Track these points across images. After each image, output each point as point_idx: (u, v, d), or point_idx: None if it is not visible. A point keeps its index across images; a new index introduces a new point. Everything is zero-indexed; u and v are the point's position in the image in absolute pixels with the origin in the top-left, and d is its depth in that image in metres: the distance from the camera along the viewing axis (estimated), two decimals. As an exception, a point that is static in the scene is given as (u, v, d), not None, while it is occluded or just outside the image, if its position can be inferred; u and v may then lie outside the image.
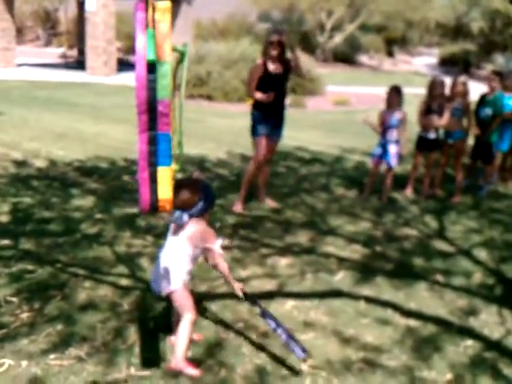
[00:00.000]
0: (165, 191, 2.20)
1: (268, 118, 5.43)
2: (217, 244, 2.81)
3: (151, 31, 1.97)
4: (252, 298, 3.02)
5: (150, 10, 1.95)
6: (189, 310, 2.80)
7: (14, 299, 3.48)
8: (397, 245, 4.78)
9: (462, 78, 6.46)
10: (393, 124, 5.92)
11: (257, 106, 5.45)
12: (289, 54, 5.45)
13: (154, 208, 2.17)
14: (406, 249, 4.70)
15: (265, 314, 2.95)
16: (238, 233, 4.86)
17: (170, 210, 2.15)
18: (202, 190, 2.75)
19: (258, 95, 5.34)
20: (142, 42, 1.96)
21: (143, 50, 1.95)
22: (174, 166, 2.17)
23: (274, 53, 5.29)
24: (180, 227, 2.77)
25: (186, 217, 2.69)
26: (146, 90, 2.02)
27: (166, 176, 2.19)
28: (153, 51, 1.98)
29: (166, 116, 2.12)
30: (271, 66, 5.34)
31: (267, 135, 5.47)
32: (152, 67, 1.97)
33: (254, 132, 5.49)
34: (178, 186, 2.47)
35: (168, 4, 1.98)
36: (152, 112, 2.03)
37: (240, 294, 2.93)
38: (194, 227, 2.75)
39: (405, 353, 3.11)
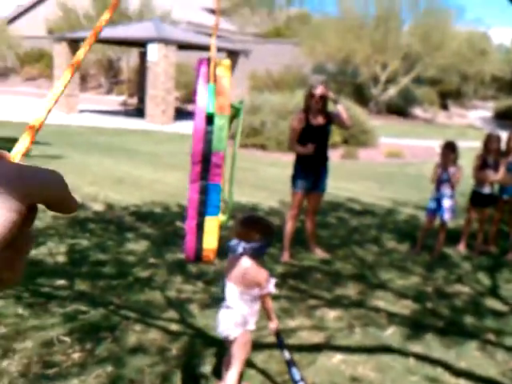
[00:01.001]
0: (210, 241, 2.24)
1: (309, 170, 5.49)
2: (269, 285, 2.83)
3: (212, 86, 2.08)
4: (282, 344, 3.01)
5: (212, 66, 2.07)
6: (237, 363, 2.81)
7: (67, 339, 3.58)
8: (448, 302, 4.69)
9: (519, 133, 6.39)
10: (447, 178, 5.88)
11: (298, 158, 5.53)
12: (335, 107, 5.48)
13: (199, 258, 2.21)
14: (457, 306, 4.61)
15: (291, 364, 2.93)
16: (286, 282, 4.88)
17: (213, 260, 2.22)
18: (266, 232, 2.81)
19: (299, 148, 5.42)
20: (203, 95, 2.06)
21: (204, 103, 2.05)
22: (222, 217, 2.22)
23: (316, 106, 5.36)
24: (233, 265, 2.82)
25: (241, 248, 2.75)
26: (202, 142, 2.10)
27: (212, 226, 2.23)
28: (213, 105, 2.08)
29: (219, 167, 2.19)
30: (313, 119, 5.41)
31: (309, 189, 5.54)
32: (210, 120, 2.06)
33: (293, 184, 5.58)
34: (249, 218, 2.54)
35: (228, 62, 2.10)
36: (206, 163, 2.10)
37: (273, 329, 2.95)
38: (245, 265, 2.79)
39: (454, 414, 3.04)
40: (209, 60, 2.06)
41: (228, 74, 2.14)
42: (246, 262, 2.79)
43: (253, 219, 2.74)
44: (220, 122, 2.10)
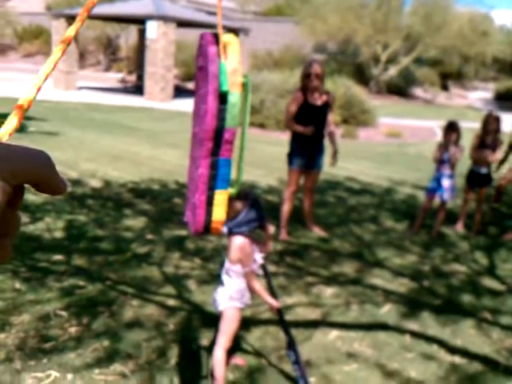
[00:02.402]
0: (219, 213, 2.25)
1: (305, 148, 5.50)
2: (252, 264, 2.79)
3: (223, 64, 2.04)
4: (285, 324, 2.97)
5: (221, 42, 2.02)
6: (223, 338, 2.80)
7: (64, 313, 3.59)
8: (445, 280, 4.70)
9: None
10: (447, 159, 5.87)
11: (294, 136, 5.54)
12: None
13: (207, 229, 2.21)
14: (453, 285, 4.62)
15: (291, 345, 2.88)
16: (284, 260, 4.88)
17: (221, 231, 2.21)
18: (245, 200, 2.72)
19: (298, 127, 5.40)
20: (215, 72, 2.03)
21: (217, 80, 2.02)
22: (231, 190, 2.23)
23: (312, 84, 5.35)
24: (228, 244, 2.81)
25: (225, 227, 2.67)
26: (216, 120, 2.09)
27: (222, 199, 2.25)
28: (226, 83, 2.05)
29: (231, 143, 2.18)
30: (310, 97, 5.40)
31: (304, 167, 5.54)
32: (224, 97, 2.04)
33: (290, 162, 5.59)
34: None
35: (234, 37, 2.05)
36: (218, 139, 2.09)
37: (276, 305, 2.89)
38: (232, 241, 2.75)
39: (449, 390, 3.05)
40: (215, 36, 2.02)
41: (237, 49, 2.10)
42: (233, 238, 2.75)
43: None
44: (233, 99, 2.08)
